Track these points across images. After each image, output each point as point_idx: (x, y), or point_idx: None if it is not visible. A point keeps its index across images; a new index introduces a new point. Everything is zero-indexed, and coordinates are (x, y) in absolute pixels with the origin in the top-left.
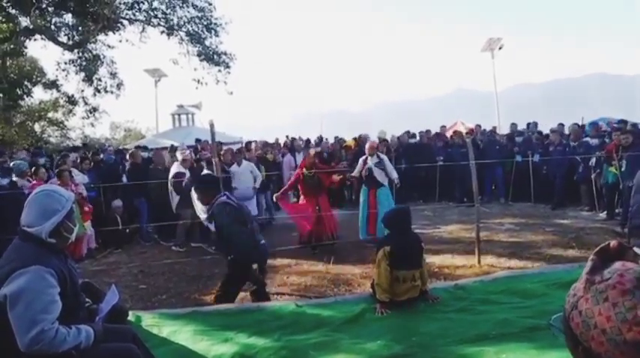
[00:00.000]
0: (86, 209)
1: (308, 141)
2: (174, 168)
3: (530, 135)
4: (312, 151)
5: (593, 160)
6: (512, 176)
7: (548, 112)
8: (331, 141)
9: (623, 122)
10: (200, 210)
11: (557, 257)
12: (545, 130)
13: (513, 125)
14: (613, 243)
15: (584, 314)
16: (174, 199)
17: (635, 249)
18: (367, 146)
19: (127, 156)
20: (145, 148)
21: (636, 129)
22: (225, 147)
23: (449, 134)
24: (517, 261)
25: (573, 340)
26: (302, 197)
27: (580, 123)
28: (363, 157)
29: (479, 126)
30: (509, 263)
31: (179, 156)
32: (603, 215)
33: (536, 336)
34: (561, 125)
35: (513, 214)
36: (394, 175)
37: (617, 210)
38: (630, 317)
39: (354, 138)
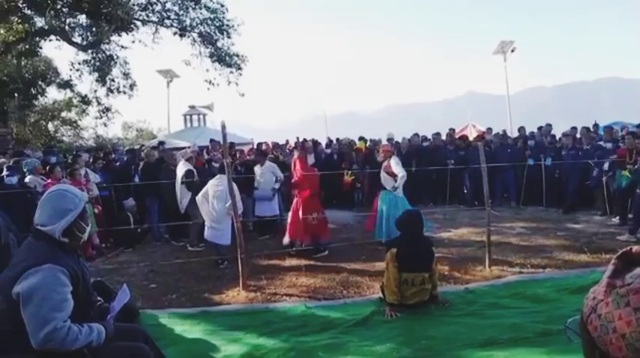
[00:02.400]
0: (96, 211)
1: (316, 142)
2: (182, 167)
3: (543, 138)
4: (295, 154)
5: (607, 164)
6: (524, 179)
7: (560, 116)
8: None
9: None
10: (205, 213)
11: (569, 262)
12: (558, 134)
13: (522, 128)
14: (636, 248)
15: (604, 318)
16: (184, 200)
17: None
18: (383, 149)
19: (142, 155)
20: (161, 143)
21: None
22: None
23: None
24: (528, 266)
25: (590, 344)
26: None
27: (592, 127)
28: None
29: (490, 129)
30: (520, 267)
31: (180, 155)
32: (616, 220)
33: (547, 341)
34: (574, 128)
35: (525, 218)
36: (398, 182)
37: (629, 215)
38: None
39: (361, 139)
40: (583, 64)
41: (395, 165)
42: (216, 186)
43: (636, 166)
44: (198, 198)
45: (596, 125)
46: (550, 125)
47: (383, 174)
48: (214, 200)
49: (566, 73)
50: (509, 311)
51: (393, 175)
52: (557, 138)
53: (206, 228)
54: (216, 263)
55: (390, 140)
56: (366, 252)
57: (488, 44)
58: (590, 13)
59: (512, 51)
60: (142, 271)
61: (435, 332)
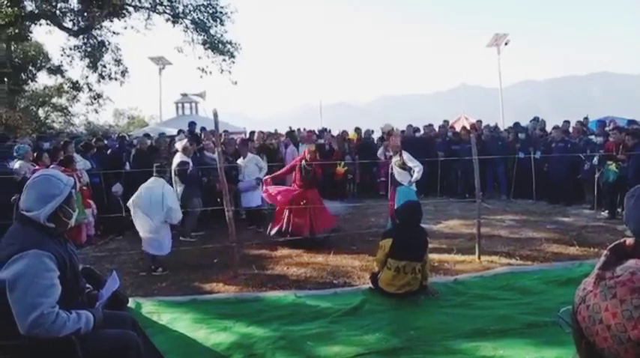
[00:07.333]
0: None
1: (311, 132)
2: (178, 158)
3: (534, 132)
4: (312, 146)
5: (596, 158)
6: (515, 172)
7: (552, 110)
8: (335, 133)
9: (634, 122)
10: (139, 222)
11: (558, 254)
12: (549, 128)
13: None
14: (629, 240)
15: (592, 309)
16: (179, 190)
17: None
18: (391, 144)
19: (134, 142)
20: (147, 136)
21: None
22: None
23: (458, 127)
24: (517, 258)
25: (579, 333)
26: (294, 186)
27: (582, 119)
28: (389, 154)
29: (480, 121)
30: (509, 259)
31: (178, 145)
32: (605, 213)
33: (534, 333)
34: (566, 122)
35: (515, 211)
36: (414, 176)
37: (618, 209)
38: (637, 315)
39: (356, 130)
40: (575, 59)
41: (410, 160)
42: (150, 191)
43: (625, 163)
44: (130, 204)
45: (586, 118)
46: (540, 119)
47: (397, 170)
48: (150, 207)
49: (558, 67)
50: (498, 303)
51: (408, 169)
52: (549, 131)
53: (142, 239)
54: (150, 269)
55: (384, 131)
56: (357, 242)
57: (481, 37)
58: (582, 8)
59: (506, 44)
60: (132, 259)
61: (423, 323)
